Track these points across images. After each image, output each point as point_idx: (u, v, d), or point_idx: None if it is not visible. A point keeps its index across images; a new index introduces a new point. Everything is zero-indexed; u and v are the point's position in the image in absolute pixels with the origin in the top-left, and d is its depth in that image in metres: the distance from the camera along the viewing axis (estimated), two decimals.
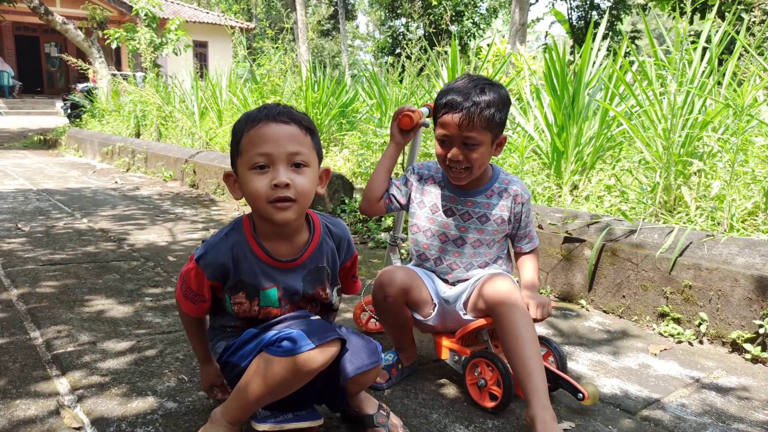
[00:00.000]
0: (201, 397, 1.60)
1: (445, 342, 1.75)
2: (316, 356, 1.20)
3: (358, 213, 3.96)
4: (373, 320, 2.17)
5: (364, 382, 1.38)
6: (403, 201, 1.80)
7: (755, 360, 2.03)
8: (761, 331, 2.00)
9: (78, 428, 1.42)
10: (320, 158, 1.33)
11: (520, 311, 1.50)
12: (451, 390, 1.73)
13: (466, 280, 1.73)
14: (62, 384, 1.65)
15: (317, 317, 1.38)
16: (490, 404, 1.59)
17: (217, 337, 1.40)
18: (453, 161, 1.59)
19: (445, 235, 1.72)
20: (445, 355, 1.75)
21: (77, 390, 1.61)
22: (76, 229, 3.74)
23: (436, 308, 1.70)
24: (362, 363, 1.33)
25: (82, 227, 3.83)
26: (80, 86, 12.57)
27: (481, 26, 22.26)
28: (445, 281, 1.76)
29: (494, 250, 1.74)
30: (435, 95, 1.71)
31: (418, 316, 1.73)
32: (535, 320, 1.57)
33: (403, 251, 3.29)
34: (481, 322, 1.61)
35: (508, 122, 4.22)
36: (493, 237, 1.72)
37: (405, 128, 1.75)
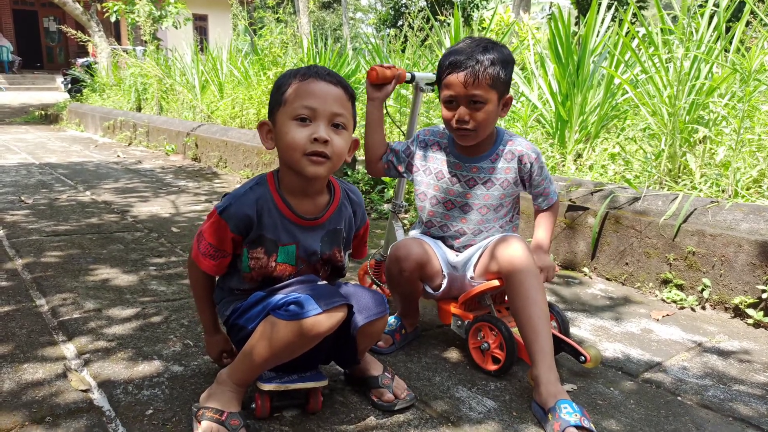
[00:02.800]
0: (206, 361, 1.62)
1: (449, 307, 1.75)
2: (323, 321, 1.21)
3: (362, 184, 3.95)
4: (375, 286, 2.17)
5: (373, 332, 1.39)
6: (401, 168, 1.80)
7: (757, 325, 2.03)
8: (764, 296, 2.01)
9: (85, 390, 1.44)
10: (354, 127, 1.36)
11: (532, 274, 1.51)
12: (453, 354, 1.75)
13: (473, 245, 1.73)
14: (69, 349, 1.66)
15: (324, 282, 1.38)
16: (493, 367, 1.61)
17: (225, 300, 1.40)
18: (460, 122, 1.58)
19: (451, 202, 1.72)
20: (450, 320, 1.76)
21: (83, 354, 1.63)
22: (80, 202, 3.75)
23: (446, 279, 1.70)
24: (370, 312, 1.34)
25: (85, 200, 3.83)
26: (80, 61, 12.48)
27: None
28: (451, 247, 1.76)
29: (501, 214, 1.73)
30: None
31: (429, 289, 1.73)
32: None
33: (405, 221, 3.30)
34: (488, 285, 1.61)
35: (511, 90, 4.19)
36: (500, 201, 1.70)
37: (372, 82, 1.74)
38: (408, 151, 1.79)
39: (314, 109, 1.25)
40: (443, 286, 1.70)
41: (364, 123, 1.80)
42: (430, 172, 1.75)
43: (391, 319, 1.79)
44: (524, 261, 1.52)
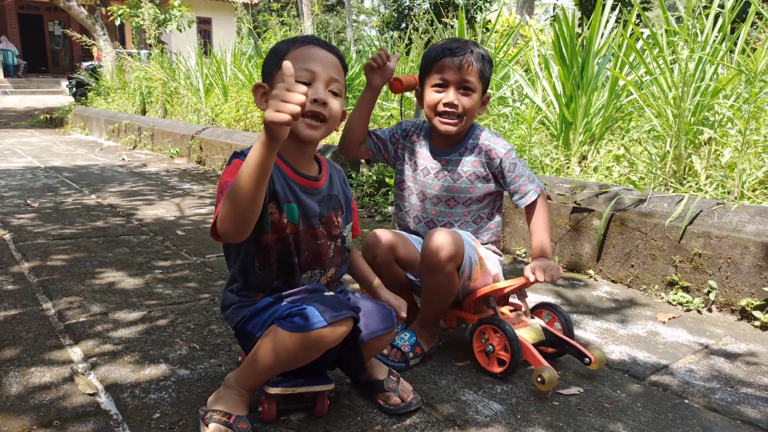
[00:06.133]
0: (213, 364, 1.62)
1: (452, 310, 1.75)
2: (327, 334, 1.20)
3: (365, 187, 3.95)
4: None
5: (378, 347, 1.39)
6: (387, 155, 1.84)
7: (764, 327, 2.03)
8: None
9: (92, 394, 1.44)
10: (344, 98, 1.39)
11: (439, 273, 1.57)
12: (459, 357, 1.74)
13: None
14: (75, 352, 1.67)
15: (331, 293, 1.37)
16: (498, 369, 1.60)
17: (235, 306, 1.38)
18: (448, 105, 1.62)
19: (423, 194, 1.75)
20: (454, 323, 1.76)
21: (90, 358, 1.63)
22: (85, 205, 3.76)
23: None
24: (376, 328, 1.34)
25: (90, 203, 3.85)
26: (85, 64, 12.52)
27: None
28: None
29: (474, 209, 1.74)
30: None
31: (412, 277, 1.75)
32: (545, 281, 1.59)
33: None
34: (490, 288, 1.61)
35: (515, 93, 4.18)
36: (470, 195, 1.72)
37: (395, 92, 1.78)
38: (393, 138, 1.82)
39: (314, 72, 1.29)
40: None
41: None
42: (407, 164, 1.80)
43: (407, 335, 1.72)
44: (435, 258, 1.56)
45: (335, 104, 1.31)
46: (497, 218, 1.80)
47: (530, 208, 1.73)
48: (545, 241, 1.70)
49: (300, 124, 1.28)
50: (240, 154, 1.30)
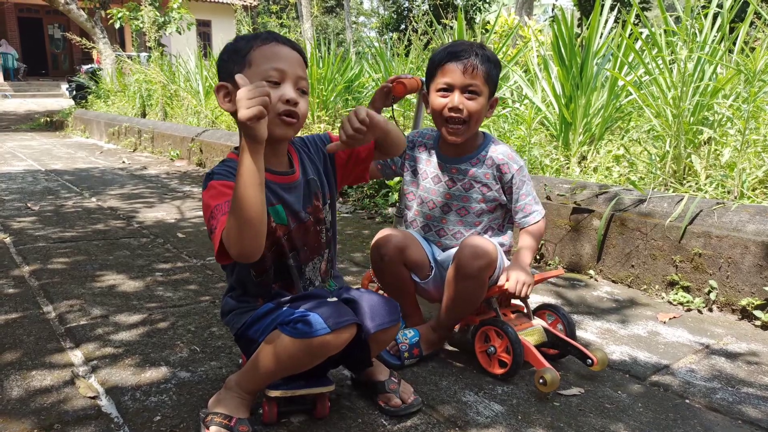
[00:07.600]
0: (213, 367, 1.63)
1: None
2: (330, 341, 1.20)
3: (365, 188, 3.95)
4: (380, 291, 2.17)
5: (385, 340, 1.39)
6: (395, 168, 1.84)
7: (765, 326, 2.02)
8: None
9: (93, 397, 1.44)
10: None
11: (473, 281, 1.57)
12: (460, 358, 1.74)
13: (455, 247, 1.73)
14: (76, 356, 1.67)
15: (334, 299, 1.36)
16: (500, 371, 1.60)
17: (235, 312, 1.38)
18: (453, 110, 1.61)
19: (433, 203, 1.75)
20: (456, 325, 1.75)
21: (91, 361, 1.63)
22: (86, 208, 3.77)
23: (434, 270, 1.72)
24: (383, 320, 1.33)
25: (91, 206, 3.85)
26: (85, 67, 12.53)
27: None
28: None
29: (484, 219, 1.73)
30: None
31: (416, 278, 1.74)
32: (519, 296, 1.61)
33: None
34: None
35: (515, 94, 4.19)
36: (481, 206, 1.71)
37: (397, 96, 1.78)
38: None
39: (284, 72, 1.26)
40: (431, 276, 1.72)
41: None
42: (416, 172, 1.79)
43: (411, 333, 1.72)
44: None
45: (303, 103, 1.29)
46: (509, 232, 1.80)
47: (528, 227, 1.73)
48: (527, 259, 1.67)
49: (274, 122, 1.25)
50: (213, 175, 1.27)
